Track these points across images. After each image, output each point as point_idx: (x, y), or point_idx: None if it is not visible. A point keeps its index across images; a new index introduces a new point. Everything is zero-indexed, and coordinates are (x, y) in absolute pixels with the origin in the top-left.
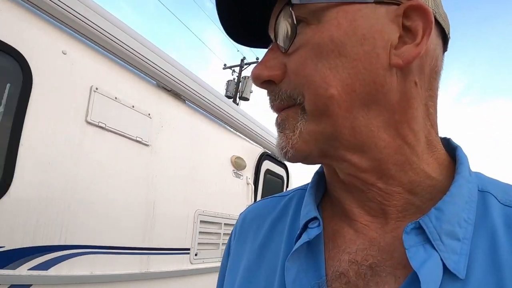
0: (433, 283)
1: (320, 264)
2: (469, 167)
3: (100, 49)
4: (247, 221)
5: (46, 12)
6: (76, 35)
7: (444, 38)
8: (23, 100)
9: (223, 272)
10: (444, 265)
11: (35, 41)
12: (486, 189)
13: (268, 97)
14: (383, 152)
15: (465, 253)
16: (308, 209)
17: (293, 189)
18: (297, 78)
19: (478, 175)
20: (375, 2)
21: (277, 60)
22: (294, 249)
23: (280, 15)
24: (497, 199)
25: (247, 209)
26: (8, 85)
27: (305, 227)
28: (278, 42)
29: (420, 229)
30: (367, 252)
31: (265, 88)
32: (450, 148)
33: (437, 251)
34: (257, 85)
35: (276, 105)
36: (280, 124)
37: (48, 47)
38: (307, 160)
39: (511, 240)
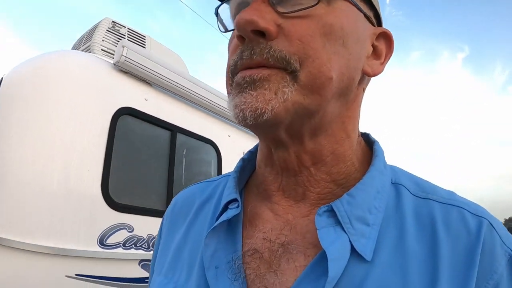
0: (340, 262)
1: (237, 241)
2: (384, 161)
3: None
4: (177, 205)
5: (222, 116)
6: (234, 124)
7: None
8: (219, 168)
9: (155, 256)
10: (352, 247)
11: (218, 133)
12: (399, 181)
13: (244, 48)
14: (328, 140)
15: (373, 238)
16: (229, 192)
17: (223, 174)
18: (302, 46)
19: (393, 168)
20: (364, 15)
21: (271, 15)
22: (212, 227)
23: None
24: (409, 191)
25: (178, 194)
26: (212, 161)
27: (226, 208)
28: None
29: (332, 212)
30: (281, 232)
31: (251, 39)
32: (370, 143)
33: (346, 233)
34: (242, 31)
35: (258, 60)
36: (255, 81)
37: (223, 135)
38: (274, 128)
39: (418, 228)
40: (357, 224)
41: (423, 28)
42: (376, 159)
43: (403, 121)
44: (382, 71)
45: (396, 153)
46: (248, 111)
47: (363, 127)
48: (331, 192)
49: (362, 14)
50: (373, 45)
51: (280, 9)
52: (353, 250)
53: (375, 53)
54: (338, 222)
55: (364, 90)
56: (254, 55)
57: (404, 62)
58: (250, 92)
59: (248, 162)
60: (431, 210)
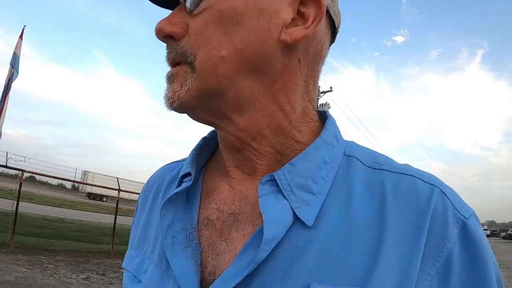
0: (278, 225)
1: (193, 212)
2: (336, 135)
3: None
4: (149, 185)
5: None
6: None
7: (334, 31)
8: None
9: (131, 231)
10: (295, 214)
11: None
12: (352, 154)
13: (166, 51)
14: (259, 114)
15: (317, 205)
16: (185, 167)
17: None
18: (196, 38)
19: (349, 143)
20: None
21: (181, 19)
22: (166, 199)
23: None
24: (362, 162)
25: (151, 175)
26: None
27: (181, 182)
28: (186, 4)
29: (274, 181)
30: (233, 202)
31: (165, 42)
32: (325, 119)
33: (287, 199)
34: (158, 38)
35: (171, 58)
36: (169, 78)
37: None
38: (190, 111)
39: (367, 196)
40: (298, 192)
41: (441, 25)
42: (324, 132)
43: (427, 121)
44: (307, 34)
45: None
46: (166, 100)
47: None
48: (278, 163)
49: None
50: (299, 11)
51: (188, 10)
52: (296, 217)
53: (303, 18)
54: (280, 190)
55: (300, 61)
56: (168, 54)
57: (423, 62)
58: (168, 85)
59: (210, 141)
60: (382, 179)
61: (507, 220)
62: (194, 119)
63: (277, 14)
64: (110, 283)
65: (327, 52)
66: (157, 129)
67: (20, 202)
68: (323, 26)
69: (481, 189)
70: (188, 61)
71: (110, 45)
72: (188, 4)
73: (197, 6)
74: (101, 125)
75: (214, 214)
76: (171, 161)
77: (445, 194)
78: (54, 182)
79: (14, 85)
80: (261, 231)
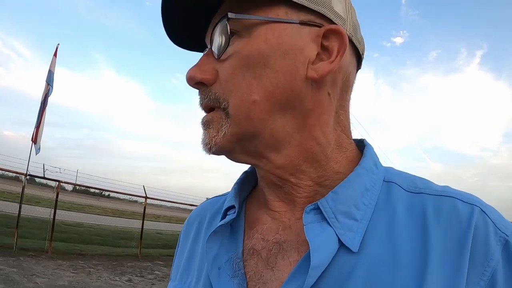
0: (324, 252)
1: (238, 243)
2: (374, 161)
3: None
4: (191, 219)
5: None
6: None
7: (359, 58)
8: None
9: (173, 263)
10: (340, 240)
11: None
12: (391, 179)
13: (199, 96)
14: (296, 150)
15: (361, 231)
16: (229, 200)
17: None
18: (227, 85)
19: (388, 169)
20: (300, 23)
21: (211, 65)
22: (212, 231)
23: (217, 25)
24: (401, 187)
25: (193, 210)
26: None
27: (226, 214)
28: (213, 49)
29: (318, 210)
30: (277, 232)
31: (197, 89)
32: (363, 148)
33: (332, 227)
34: (190, 85)
35: (205, 103)
36: (205, 124)
37: None
38: (229, 154)
39: (409, 221)
40: (342, 218)
41: (441, 26)
42: (363, 159)
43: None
44: (332, 68)
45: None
46: (204, 145)
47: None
48: (318, 194)
49: (292, 25)
50: (323, 46)
51: (216, 56)
52: (341, 243)
53: (327, 53)
54: (324, 218)
55: (329, 94)
56: (202, 100)
57: (423, 63)
58: (204, 131)
59: (251, 175)
60: (423, 203)
61: None
62: (232, 161)
63: (302, 52)
64: (152, 284)
65: (354, 80)
66: (158, 131)
67: (47, 209)
68: (347, 56)
69: (480, 190)
70: (222, 107)
71: (110, 46)
72: (215, 50)
73: (223, 53)
74: (101, 126)
75: (259, 243)
76: (212, 196)
77: (486, 213)
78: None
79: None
80: (307, 258)
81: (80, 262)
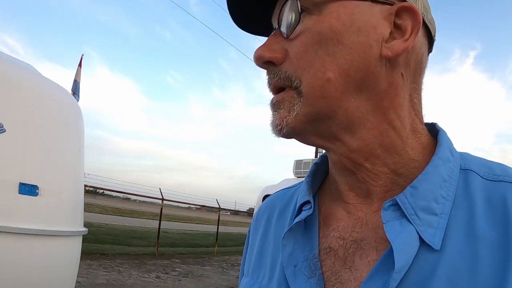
0: (407, 252)
1: (313, 241)
2: (450, 149)
3: None
4: (260, 212)
5: None
6: None
7: (430, 40)
8: None
9: (243, 259)
10: (421, 237)
11: None
12: (468, 167)
13: (267, 76)
14: (370, 133)
15: (441, 227)
16: (303, 195)
17: (299, 181)
18: (299, 62)
19: (464, 155)
20: (371, 1)
21: (279, 44)
22: (287, 228)
23: (286, 3)
24: (479, 175)
25: (262, 203)
26: None
27: (300, 210)
28: (281, 28)
29: (396, 206)
30: (353, 229)
31: (265, 68)
32: (435, 132)
33: (412, 224)
34: (258, 65)
35: (274, 83)
36: (275, 104)
37: None
38: (300, 136)
39: (489, 211)
40: (422, 215)
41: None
42: (439, 148)
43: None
44: (407, 47)
45: None
46: (274, 127)
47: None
48: (394, 183)
49: (364, 2)
50: (395, 24)
51: (285, 35)
52: (421, 241)
53: (400, 31)
54: (404, 215)
55: (403, 75)
56: (271, 79)
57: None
58: (274, 113)
59: (321, 166)
60: (503, 192)
61: None
62: (304, 143)
63: (375, 30)
64: (179, 280)
65: (426, 62)
66: (151, 128)
67: None
68: (420, 36)
69: None
70: (294, 85)
71: (104, 43)
72: (284, 29)
73: (293, 31)
74: (94, 124)
75: (336, 242)
76: (281, 189)
77: None
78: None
79: None
80: (386, 258)
81: (106, 261)
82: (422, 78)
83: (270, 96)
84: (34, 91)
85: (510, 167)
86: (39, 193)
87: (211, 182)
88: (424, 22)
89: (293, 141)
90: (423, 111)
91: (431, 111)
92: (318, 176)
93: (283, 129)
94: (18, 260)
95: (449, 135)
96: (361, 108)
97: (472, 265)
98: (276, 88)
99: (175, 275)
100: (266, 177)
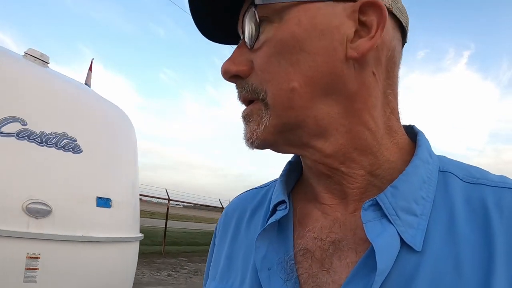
0: (389, 253)
1: (288, 242)
2: (429, 150)
3: None
4: (229, 213)
5: None
6: None
7: (403, 31)
8: None
9: (209, 261)
10: (401, 238)
11: None
12: (447, 169)
13: (236, 90)
14: (344, 137)
15: (422, 228)
16: (277, 194)
17: (271, 180)
18: (263, 74)
19: (441, 158)
20: (333, 0)
21: (244, 56)
22: (261, 229)
23: (246, 14)
24: (458, 177)
25: (229, 203)
26: None
27: (275, 210)
28: (245, 39)
29: (377, 206)
30: (331, 230)
31: (233, 82)
32: (413, 134)
33: (393, 225)
34: (226, 79)
35: (243, 96)
36: (245, 117)
37: None
38: (273, 147)
39: (468, 213)
40: (403, 215)
41: (429, 26)
42: (419, 149)
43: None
44: (373, 45)
45: None
46: (246, 140)
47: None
48: (371, 184)
49: (326, 3)
50: (360, 21)
51: (249, 46)
52: (402, 242)
53: (366, 29)
54: (384, 215)
55: (374, 74)
56: (239, 93)
57: (410, 62)
58: (245, 126)
59: (295, 165)
60: (482, 195)
61: None
62: (278, 152)
63: (338, 31)
64: (190, 278)
65: (400, 55)
66: (145, 126)
67: None
68: (389, 29)
69: None
70: (260, 98)
71: (98, 40)
72: (247, 40)
73: (256, 41)
74: None
75: (313, 243)
76: (248, 189)
77: None
78: None
79: None
80: (367, 259)
81: None
82: (396, 73)
83: (242, 108)
84: (101, 114)
85: (488, 171)
86: (111, 205)
87: (205, 180)
88: (392, 13)
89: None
90: (399, 107)
91: (425, 110)
92: (293, 175)
93: (255, 142)
94: (98, 265)
95: (435, 135)
96: (332, 113)
97: (455, 266)
98: (246, 100)
99: (185, 273)
100: (259, 176)
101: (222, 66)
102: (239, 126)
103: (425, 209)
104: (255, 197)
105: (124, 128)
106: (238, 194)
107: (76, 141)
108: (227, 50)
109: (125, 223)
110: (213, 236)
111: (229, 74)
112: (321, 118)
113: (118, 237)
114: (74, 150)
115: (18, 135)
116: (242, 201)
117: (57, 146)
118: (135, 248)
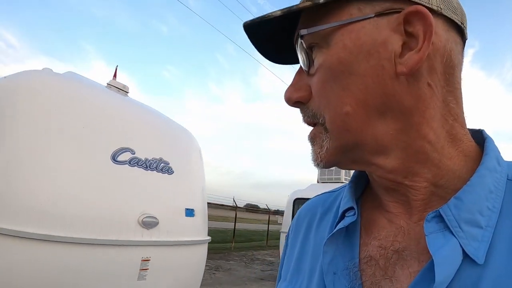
0: (449, 266)
1: (354, 248)
2: (497, 158)
3: None
4: (301, 216)
5: None
6: None
7: (459, 29)
8: None
9: (281, 262)
10: (464, 251)
11: None
12: None
13: (300, 114)
14: (405, 152)
15: (486, 240)
16: (346, 200)
17: (341, 185)
18: (320, 100)
19: (510, 164)
20: (376, 16)
21: (304, 81)
22: (330, 234)
23: (296, 43)
24: None
25: (302, 206)
26: None
27: (343, 216)
28: (301, 65)
29: (440, 217)
30: (395, 238)
31: (296, 107)
32: (482, 139)
33: (456, 237)
34: (289, 105)
35: (305, 121)
36: (310, 140)
37: None
38: (338, 165)
39: None
40: (466, 227)
41: None
42: (485, 157)
43: None
44: (421, 58)
45: None
46: (313, 161)
47: None
48: (435, 195)
49: (369, 20)
50: (407, 32)
51: (306, 72)
52: (465, 254)
53: (414, 39)
54: (447, 227)
55: (430, 84)
56: (303, 117)
57: None
58: (311, 148)
59: (363, 172)
60: None
61: None
62: (345, 169)
63: (385, 47)
64: (213, 273)
65: (460, 56)
66: None
67: None
68: (441, 33)
69: None
70: (320, 122)
71: (101, 37)
72: (303, 66)
73: (310, 67)
74: None
75: (377, 251)
76: (321, 193)
77: None
78: None
79: None
80: (428, 270)
81: None
82: (457, 76)
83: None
84: (179, 137)
85: None
86: (195, 214)
87: (208, 178)
88: (443, 15)
89: (290, 138)
90: (464, 112)
91: None
92: (361, 181)
93: (320, 164)
94: (187, 262)
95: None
96: (390, 130)
97: None
98: (310, 125)
99: (208, 269)
100: (262, 174)
101: (285, 94)
102: (240, 126)
103: (491, 220)
104: (325, 201)
105: (195, 149)
106: (311, 198)
107: (169, 164)
108: (231, 49)
109: (202, 228)
110: (285, 237)
111: (292, 101)
112: (380, 137)
113: (198, 239)
114: (168, 172)
115: (130, 163)
116: (314, 205)
117: (157, 169)
118: (206, 247)
